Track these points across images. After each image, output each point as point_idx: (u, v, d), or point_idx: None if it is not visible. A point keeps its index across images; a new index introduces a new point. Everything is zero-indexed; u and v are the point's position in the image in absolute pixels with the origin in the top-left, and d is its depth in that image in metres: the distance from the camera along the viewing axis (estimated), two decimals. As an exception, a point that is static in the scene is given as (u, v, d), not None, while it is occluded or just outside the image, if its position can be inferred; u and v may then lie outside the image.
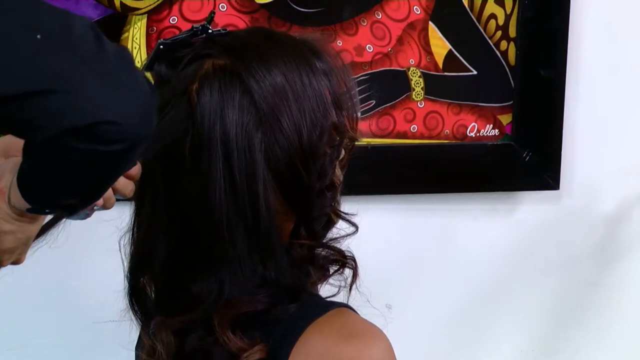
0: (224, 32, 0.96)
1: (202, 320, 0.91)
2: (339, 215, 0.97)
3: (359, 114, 0.97)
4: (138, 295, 0.98)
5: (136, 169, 0.89)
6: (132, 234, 0.97)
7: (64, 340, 1.61)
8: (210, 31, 0.95)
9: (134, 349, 1.08)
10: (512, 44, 1.65)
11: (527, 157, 1.68)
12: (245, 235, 0.90)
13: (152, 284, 0.97)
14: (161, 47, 0.93)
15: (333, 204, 0.96)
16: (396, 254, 1.71)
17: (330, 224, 0.96)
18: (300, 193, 0.92)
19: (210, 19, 0.95)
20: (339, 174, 0.96)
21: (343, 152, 0.95)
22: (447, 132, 1.66)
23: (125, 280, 0.98)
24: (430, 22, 1.62)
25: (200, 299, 0.91)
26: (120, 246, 0.98)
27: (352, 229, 0.98)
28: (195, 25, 0.95)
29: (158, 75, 0.94)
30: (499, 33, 1.65)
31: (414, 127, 1.65)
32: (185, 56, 0.92)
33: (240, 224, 0.90)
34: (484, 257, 1.75)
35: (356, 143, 0.97)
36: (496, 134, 1.68)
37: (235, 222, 0.89)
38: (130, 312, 1.00)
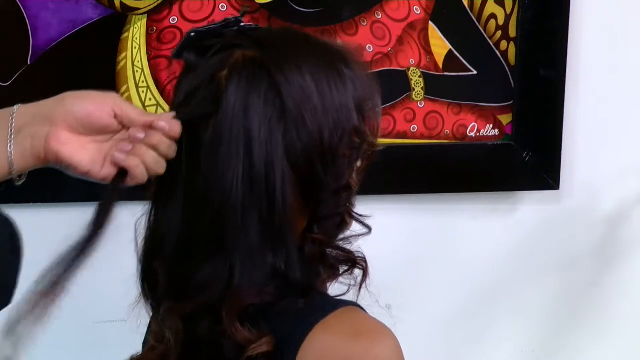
0: (255, 27, 0.98)
1: (210, 307, 0.91)
2: (353, 217, 0.98)
3: (380, 123, 0.98)
4: (150, 279, 0.98)
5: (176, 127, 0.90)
6: (149, 217, 0.98)
7: (64, 340, 1.61)
8: (242, 24, 0.96)
9: (144, 335, 1.08)
10: (512, 44, 1.65)
11: (527, 157, 1.68)
12: (258, 225, 0.91)
13: (164, 270, 0.97)
14: (192, 34, 0.95)
15: (348, 205, 0.97)
16: (396, 254, 1.71)
17: (343, 224, 0.97)
18: (316, 191, 0.93)
19: (244, 13, 0.97)
20: (355, 178, 0.97)
21: (359, 162, 0.97)
22: (447, 132, 1.66)
23: (138, 264, 0.98)
24: (430, 22, 1.62)
25: (209, 285, 0.92)
26: (135, 230, 0.99)
27: (364, 229, 0.99)
28: (228, 17, 0.97)
29: (187, 62, 0.96)
30: (499, 33, 1.65)
31: (414, 127, 1.65)
32: (215, 45, 0.94)
33: (255, 213, 0.91)
34: (483, 257, 1.75)
35: (375, 149, 0.98)
36: (496, 134, 1.68)
37: (249, 210, 0.90)
38: (142, 298, 1.00)
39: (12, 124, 0.90)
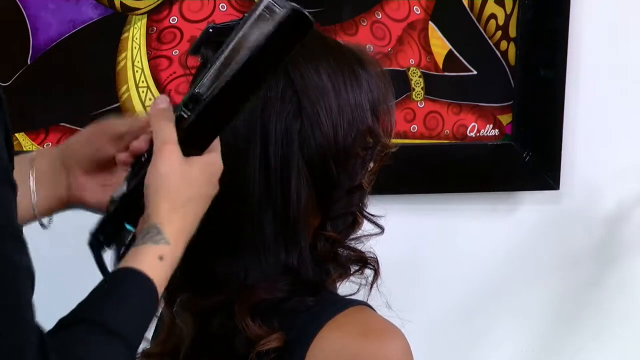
0: None
1: (223, 302, 0.92)
2: (365, 217, 0.98)
3: (394, 123, 0.99)
4: None
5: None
6: None
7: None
8: None
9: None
10: (512, 44, 1.65)
11: (527, 157, 1.68)
12: (273, 222, 0.92)
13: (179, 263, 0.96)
14: (210, 30, 0.95)
15: (360, 204, 0.98)
16: (396, 254, 1.71)
17: (355, 224, 0.98)
18: (330, 189, 0.94)
19: None
20: (368, 178, 0.97)
21: (372, 163, 0.97)
22: (447, 132, 1.66)
23: None
24: (430, 22, 1.62)
25: (225, 281, 0.93)
26: None
27: (376, 229, 0.99)
28: (247, 14, 0.97)
29: (204, 58, 0.96)
30: (499, 33, 1.65)
31: (414, 127, 1.65)
32: None
33: (270, 210, 0.92)
34: (484, 257, 1.75)
35: (389, 151, 0.99)
36: (496, 134, 1.68)
37: (265, 206, 0.92)
38: None
39: (32, 176, 0.95)
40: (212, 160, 0.87)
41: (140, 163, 0.89)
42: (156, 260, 0.80)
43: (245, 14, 0.87)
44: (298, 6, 0.84)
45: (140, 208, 0.85)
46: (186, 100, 0.87)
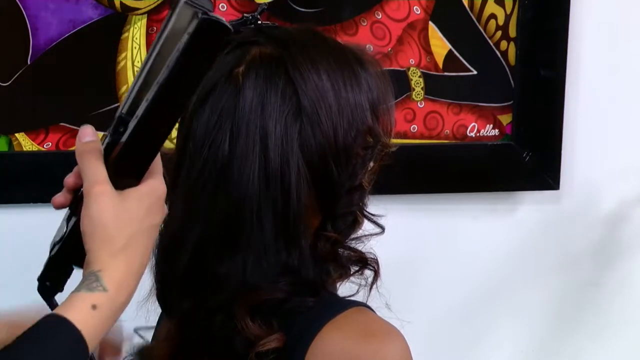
0: (272, 25, 0.99)
1: (225, 304, 0.92)
2: (366, 216, 0.98)
3: (394, 122, 0.99)
4: (165, 276, 0.97)
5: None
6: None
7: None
8: (259, 22, 0.97)
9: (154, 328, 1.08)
10: (512, 44, 1.65)
11: (527, 157, 1.68)
12: (273, 221, 0.92)
13: (179, 267, 0.96)
14: None
15: (360, 204, 0.98)
16: (396, 254, 1.71)
17: (356, 223, 0.98)
18: (330, 189, 0.94)
19: (262, 11, 0.97)
20: (368, 178, 0.97)
21: (372, 163, 0.97)
22: (447, 132, 1.66)
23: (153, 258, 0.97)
24: (430, 22, 1.62)
25: (226, 281, 0.93)
26: None
27: (376, 229, 0.99)
28: (246, 14, 0.96)
29: None
30: (499, 33, 1.65)
31: (414, 127, 1.65)
32: (232, 42, 0.95)
33: (270, 209, 0.92)
34: (484, 257, 1.75)
35: (389, 150, 0.99)
36: (496, 134, 1.68)
37: (265, 206, 0.91)
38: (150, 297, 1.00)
39: None
40: (150, 189, 0.82)
41: (77, 199, 0.83)
42: (88, 309, 0.76)
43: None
44: (209, 15, 0.78)
45: (83, 247, 0.80)
46: (115, 123, 0.81)
